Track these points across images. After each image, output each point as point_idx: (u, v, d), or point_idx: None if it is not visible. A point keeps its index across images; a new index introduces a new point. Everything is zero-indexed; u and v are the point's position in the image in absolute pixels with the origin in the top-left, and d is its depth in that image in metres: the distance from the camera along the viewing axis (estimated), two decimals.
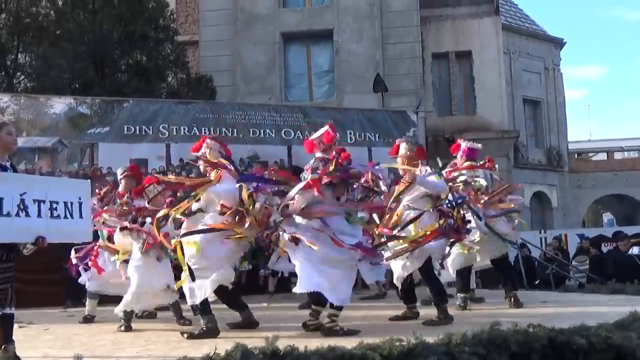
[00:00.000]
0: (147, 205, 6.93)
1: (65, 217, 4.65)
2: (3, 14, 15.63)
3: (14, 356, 4.38)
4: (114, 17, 15.88)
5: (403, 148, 6.79)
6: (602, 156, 32.35)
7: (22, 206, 4.35)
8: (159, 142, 12.05)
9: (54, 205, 4.57)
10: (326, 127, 6.32)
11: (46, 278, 9.61)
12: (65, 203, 4.65)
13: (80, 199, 4.78)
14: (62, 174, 11.30)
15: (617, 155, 32.30)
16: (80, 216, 4.76)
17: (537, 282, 13.33)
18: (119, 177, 7.88)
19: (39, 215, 4.44)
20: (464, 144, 7.98)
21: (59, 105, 11.90)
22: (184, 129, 12.15)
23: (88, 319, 7.49)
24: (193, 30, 20.84)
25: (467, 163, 7.80)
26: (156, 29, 16.48)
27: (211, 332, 5.73)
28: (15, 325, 6.88)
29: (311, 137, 6.37)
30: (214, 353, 4.06)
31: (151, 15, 16.36)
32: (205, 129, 11.88)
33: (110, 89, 14.62)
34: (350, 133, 13.16)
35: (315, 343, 4.39)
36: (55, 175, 11.15)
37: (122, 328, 6.54)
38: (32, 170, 11.07)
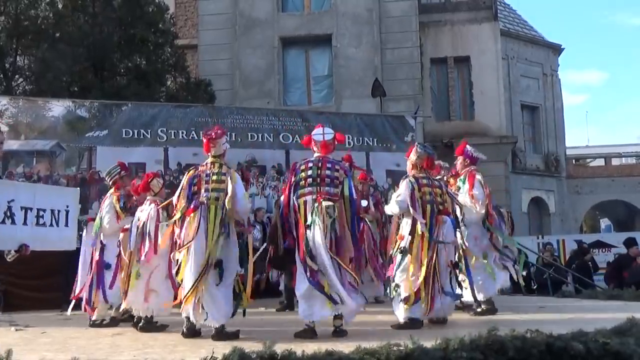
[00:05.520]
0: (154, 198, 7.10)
1: (51, 225, 4.61)
2: (2, 17, 15.60)
3: None
4: (114, 21, 15.90)
5: (414, 153, 6.85)
6: (600, 162, 32.39)
7: (8, 213, 4.30)
8: (157, 146, 12.03)
9: (41, 213, 4.53)
10: (321, 129, 6.40)
11: (43, 282, 9.60)
12: (52, 211, 4.62)
13: (67, 207, 4.76)
14: (60, 177, 11.27)
15: (615, 161, 32.35)
16: (66, 224, 4.74)
17: (535, 287, 13.35)
18: (114, 178, 7.89)
19: (25, 222, 4.40)
20: (469, 148, 8.00)
21: (58, 108, 11.87)
22: (182, 132, 12.13)
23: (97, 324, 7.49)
24: (192, 34, 20.90)
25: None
26: (156, 33, 16.48)
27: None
28: (12, 329, 6.91)
29: (326, 138, 6.32)
30: (211, 357, 4.05)
31: (151, 19, 16.38)
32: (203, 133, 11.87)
33: (109, 92, 14.61)
34: (348, 138, 13.12)
35: (312, 347, 4.39)
36: (53, 178, 11.14)
37: None
38: (30, 174, 11.05)
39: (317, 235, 5.83)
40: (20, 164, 11.13)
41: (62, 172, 11.49)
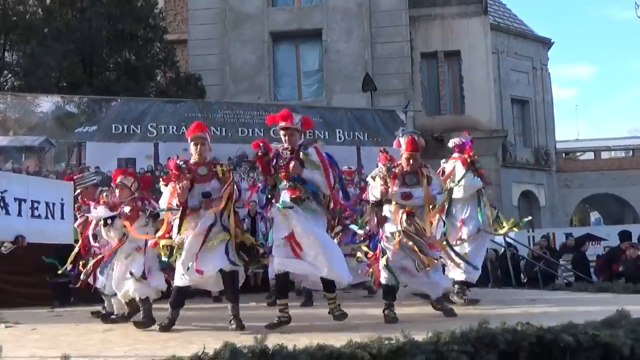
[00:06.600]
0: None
1: (47, 217, 4.62)
2: None
3: None
4: (103, 16, 15.81)
5: (421, 143, 6.71)
6: (590, 155, 32.51)
7: (2, 204, 4.31)
8: (147, 141, 12.00)
9: (35, 205, 4.55)
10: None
11: (33, 279, 9.56)
12: (47, 203, 4.64)
13: (62, 200, 4.77)
14: (49, 173, 11.22)
15: (604, 155, 32.49)
16: (62, 217, 4.75)
17: (525, 280, 13.43)
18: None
19: (19, 214, 4.41)
20: (450, 143, 8.15)
21: (47, 104, 11.82)
22: (173, 128, 12.09)
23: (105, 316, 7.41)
24: (182, 29, 20.80)
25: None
26: (145, 28, 16.42)
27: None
28: (2, 325, 6.87)
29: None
30: (203, 352, 4.04)
31: (140, 14, 16.31)
32: None
33: (98, 87, 14.55)
34: (339, 132, 13.15)
35: (304, 341, 4.39)
36: (42, 174, 11.09)
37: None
38: (19, 170, 10.97)
39: None
40: (8, 160, 11.08)
41: (51, 168, 11.45)
